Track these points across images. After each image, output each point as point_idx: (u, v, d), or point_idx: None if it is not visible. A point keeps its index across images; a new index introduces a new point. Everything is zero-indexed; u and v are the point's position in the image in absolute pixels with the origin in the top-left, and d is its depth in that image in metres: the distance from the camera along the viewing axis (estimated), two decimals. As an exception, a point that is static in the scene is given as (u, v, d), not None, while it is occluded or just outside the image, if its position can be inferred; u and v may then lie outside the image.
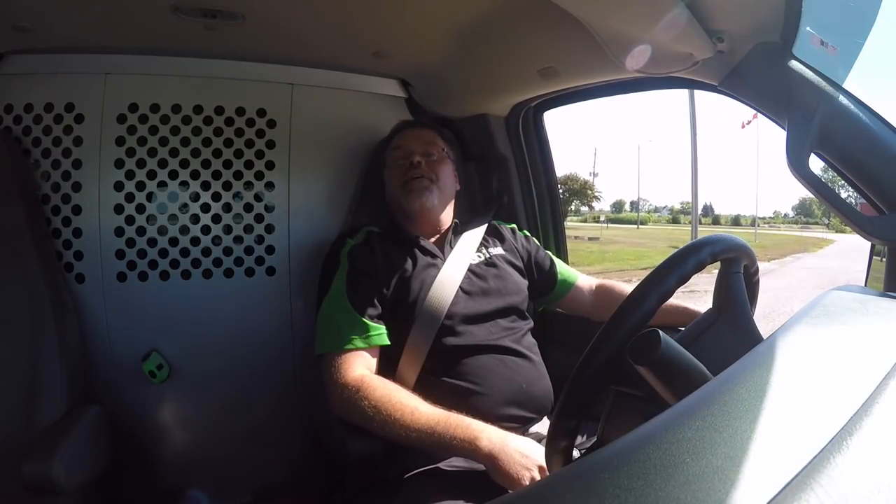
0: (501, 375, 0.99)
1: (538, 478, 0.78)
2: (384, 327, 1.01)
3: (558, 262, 1.29)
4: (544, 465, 0.77)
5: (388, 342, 1.00)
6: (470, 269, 1.10)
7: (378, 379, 0.94)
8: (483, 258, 1.14)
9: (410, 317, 1.02)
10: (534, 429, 1.01)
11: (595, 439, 0.65)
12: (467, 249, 1.13)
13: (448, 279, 1.06)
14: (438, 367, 0.99)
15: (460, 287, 1.05)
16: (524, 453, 0.81)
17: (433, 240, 1.15)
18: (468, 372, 0.98)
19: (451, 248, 1.13)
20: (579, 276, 1.29)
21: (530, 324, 1.12)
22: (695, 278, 0.66)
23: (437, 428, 0.84)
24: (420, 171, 1.12)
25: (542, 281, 1.24)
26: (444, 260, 1.10)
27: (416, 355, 1.00)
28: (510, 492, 0.85)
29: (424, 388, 0.95)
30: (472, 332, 1.02)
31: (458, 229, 1.18)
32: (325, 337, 1.00)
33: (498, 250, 1.18)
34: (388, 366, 1.00)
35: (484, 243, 1.18)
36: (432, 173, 1.14)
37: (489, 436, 0.82)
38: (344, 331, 0.98)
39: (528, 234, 1.32)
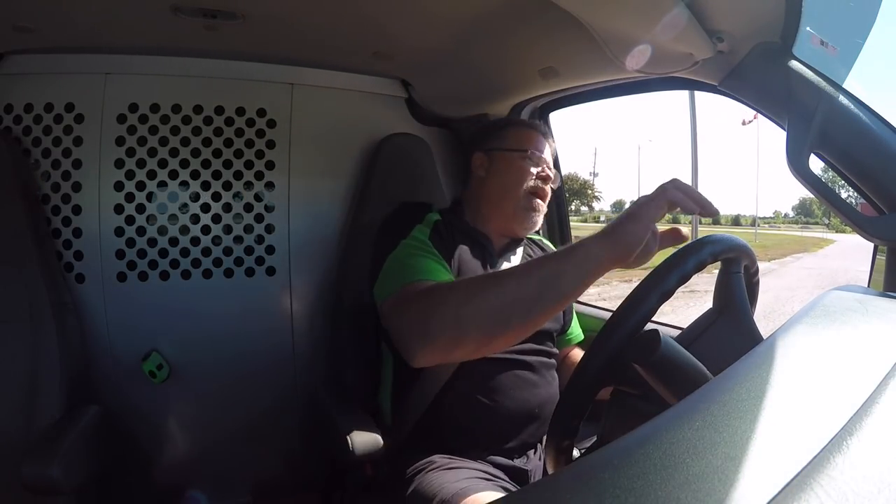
0: (516, 397, 0.94)
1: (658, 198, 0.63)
2: None
3: (575, 318, 1.20)
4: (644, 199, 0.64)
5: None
6: None
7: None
8: None
9: None
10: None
11: (595, 439, 0.64)
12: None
13: None
14: (463, 379, 0.94)
15: None
16: (625, 221, 0.64)
17: (500, 246, 1.06)
18: (489, 388, 0.93)
19: (507, 260, 1.05)
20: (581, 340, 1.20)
21: (557, 356, 1.06)
22: (695, 278, 0.66)
23: (537, 263, 0.68)
24: (546, 196, 1.05)
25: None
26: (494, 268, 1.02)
27: (447, 366, 0.92)
28: (510, 492, 0.85)
29: (444, 395, 0.93)
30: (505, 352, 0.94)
31: (522, 244, 1.09)
32: (404, 272, 0.84)
33: None
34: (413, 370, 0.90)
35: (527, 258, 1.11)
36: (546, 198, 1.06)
37: (590, 239, 0.65)
38: (430, 266, 0.84)
39: None
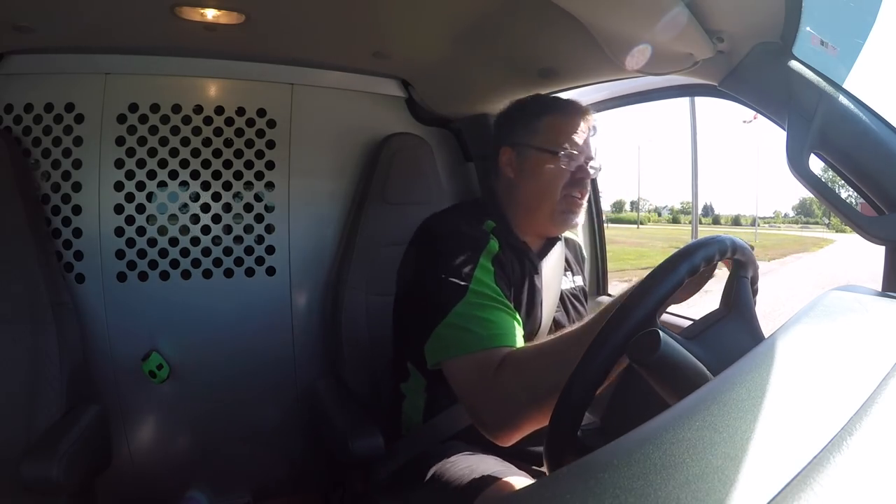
0: None
1: None
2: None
3: None
4: None
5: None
6: (562, 297, 0.98)
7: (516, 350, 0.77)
8: (572, 286, 1.03)
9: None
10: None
11: (598, 422, 0.64)
12: (557, 270, 0.98)
13: (548, 307, 0.93)
14: None
15: (554, 318, 0.94)
16: None
17: (537, 249, 0.99)
18: None
19: (545, 263, 0.98)
20: None
21: None
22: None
23: (592, 321, 0.69)
24: (587, 192, 0.95)
25: None
26: (541, 278, 0.95)
27: None
28: (509, 492, 0.85)
29: None
30: None
31: (554, 241, 1.00)
32: (480, 332, 0.78)
33: (580, 281, 1.06)
34: None
35: (569, 267, 1.05)
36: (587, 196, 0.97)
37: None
38: (506, 329, 0.79)
39: None
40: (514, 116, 1.00)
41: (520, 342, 0.79)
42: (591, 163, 0.95)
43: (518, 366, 0.72)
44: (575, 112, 0.97)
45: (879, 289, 0.75)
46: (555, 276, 0.96)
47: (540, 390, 0.68)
